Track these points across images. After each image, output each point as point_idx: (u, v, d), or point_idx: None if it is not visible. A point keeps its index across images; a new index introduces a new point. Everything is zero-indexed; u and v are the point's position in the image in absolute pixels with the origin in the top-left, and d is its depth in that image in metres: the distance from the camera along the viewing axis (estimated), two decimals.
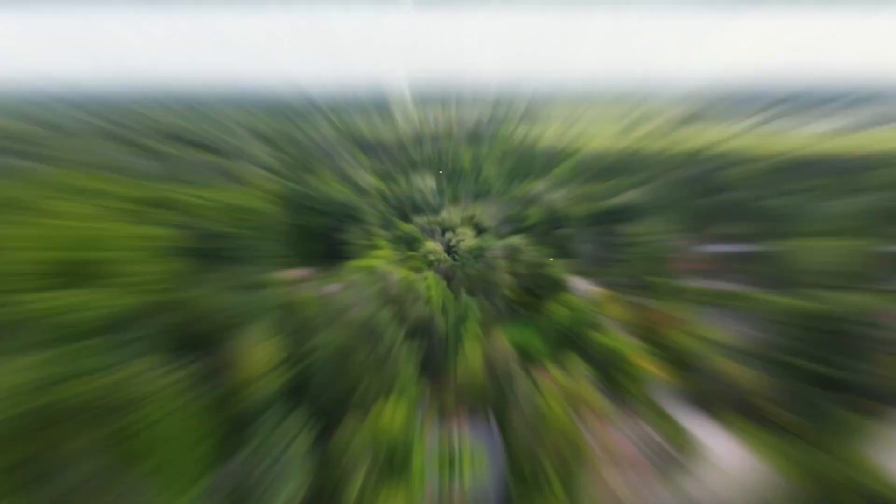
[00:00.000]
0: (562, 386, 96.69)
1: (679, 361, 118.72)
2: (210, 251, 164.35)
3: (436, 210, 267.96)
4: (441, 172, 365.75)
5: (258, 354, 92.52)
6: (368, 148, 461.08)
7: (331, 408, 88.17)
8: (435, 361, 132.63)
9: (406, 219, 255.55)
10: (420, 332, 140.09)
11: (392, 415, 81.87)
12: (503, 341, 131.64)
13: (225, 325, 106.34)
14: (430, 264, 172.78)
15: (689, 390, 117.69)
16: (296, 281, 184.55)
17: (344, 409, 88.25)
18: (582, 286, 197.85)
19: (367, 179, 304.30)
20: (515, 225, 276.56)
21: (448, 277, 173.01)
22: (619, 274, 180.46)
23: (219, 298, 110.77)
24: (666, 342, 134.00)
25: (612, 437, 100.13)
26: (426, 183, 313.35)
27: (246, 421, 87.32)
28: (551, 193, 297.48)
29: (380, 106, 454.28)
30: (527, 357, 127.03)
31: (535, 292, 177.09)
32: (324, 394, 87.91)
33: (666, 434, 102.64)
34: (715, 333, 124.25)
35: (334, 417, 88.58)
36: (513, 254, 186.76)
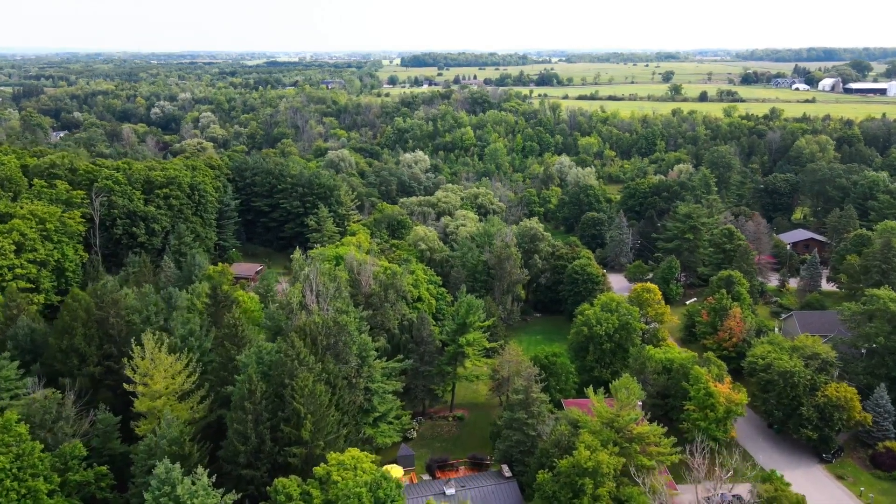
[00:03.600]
0: (606, 420, 74.80)
1: (763, 384, 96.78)
2: (126, 236, 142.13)
3: (429, 190, 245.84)
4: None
5: (157, 379, 70.17)
6: (345, 116, 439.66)
7: (258, 463, 65.45)
8: (424, 387, 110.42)
9: (391, 200, 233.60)
10: (403, 344, 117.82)
11: (354, 473, 59.70)
12: (520, 358, 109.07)
13: (121, 333, 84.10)
14: (420, 255, 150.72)
15: (777, 419, 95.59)
16: (238, 276, 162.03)
17: (279, 465, 65.48)
18: (621, 283, 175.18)
19: (342, 153, 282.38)
20: (530, 208, 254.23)
21: (444, 272, 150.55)
22: (667, 268, 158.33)
23: (121, 297, 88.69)
24: (744, 356, 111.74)
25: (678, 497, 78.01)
26: (417, 157, 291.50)
27: (120, 476, 65.47)
28: (576, 170, 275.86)
29: (361, 68, 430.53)
30: (554, 379, 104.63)
31: (560, 291, 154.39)
32: (247, 442, 65.16)
33: (759, 489, 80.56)
34: (805, 344, 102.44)
35: (263, 479, 65.55)
36: (529, 242, 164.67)
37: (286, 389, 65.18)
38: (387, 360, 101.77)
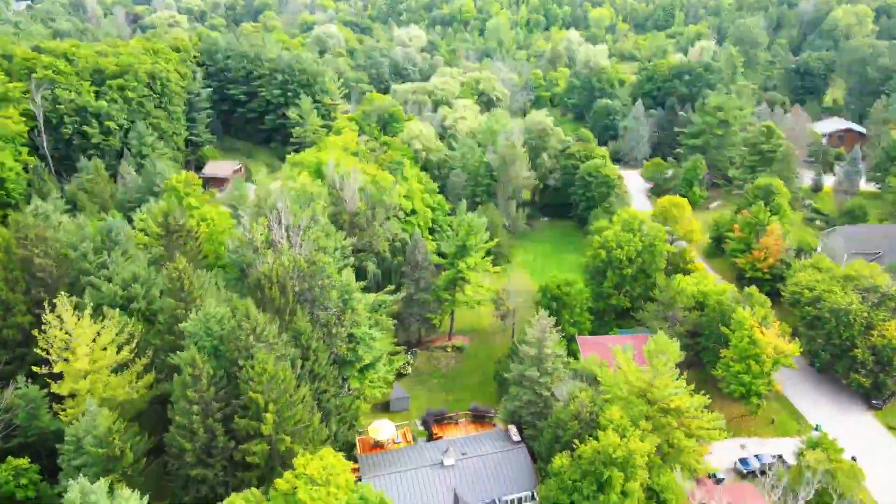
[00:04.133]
0: (636, 390, 61.86)
1: (810, 320, 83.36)
2: (77, 136, 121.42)
3: (425, 73, 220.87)
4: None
5: (80, 353, 55.61)
6: None
7: (211, 461, 51.83)
8: (419, 315, 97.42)
9: (383, 85, 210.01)
10: (395, 269, 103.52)
11: (326, 491, 46.58)
12: (528, 284, 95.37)
13: (52, 276, 69.12)
14: (415, 155, 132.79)
15: (824, 361, 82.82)
16: (212, 178, 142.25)
17: (237, 462, 52.18)
18: (637, 182, 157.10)
19: (330, 29, 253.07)
20: (536, 93, 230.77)
21: (441, 175, 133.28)
22: (691, 169, 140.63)
23: (51, 230, 72.74)
24: (780, 278, 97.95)
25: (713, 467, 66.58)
26: (411, 33, 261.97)
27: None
28: (586, 47, 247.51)
29: None
30: (567, 312, 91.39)
31: (571, 195, 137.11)
32: (194, 438, 51.33)
33: (809, 458, 69.53)
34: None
35: (218, 479, 52.63)
36: (537, 139, 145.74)
37: (241, 372, 51.34)
38: (376, 293, 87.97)
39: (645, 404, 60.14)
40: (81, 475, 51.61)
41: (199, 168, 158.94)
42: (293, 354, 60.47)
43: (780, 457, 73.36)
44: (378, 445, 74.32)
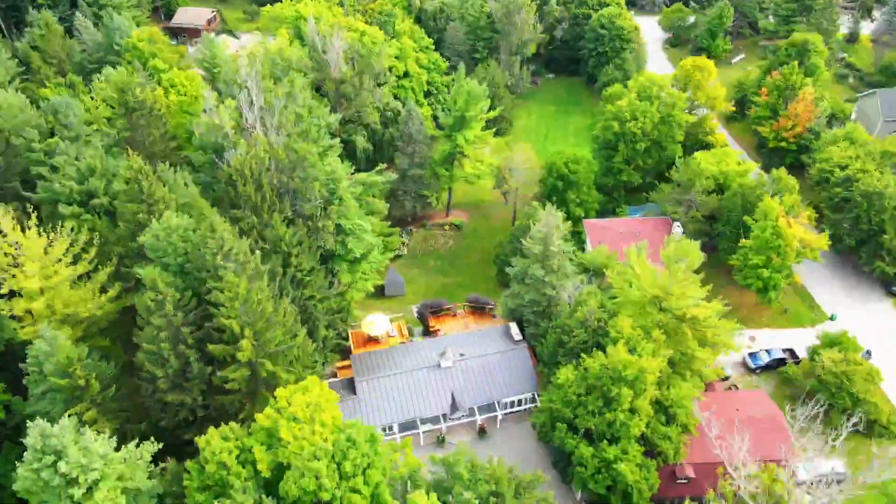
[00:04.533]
0: (650, 297, 56.36)
1: (837, 201, 76.41)
2: None
3: None
4: None
5: (29, 271, 49.20)
6: None
7: (188, 385, 47.06)
8: (414, 193, 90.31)
9: None
10: (388, 142, 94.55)
11: (311, 429, 42.35)
12: (532, 163, 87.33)
13: None
14: (407, 4, 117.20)
15: (845, 245, 76.80)
16: (183, 28, 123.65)
17: (215, 386, 47.23)
18: (654, 31, 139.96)
19: None
20: None
21: (437, 28, 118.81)
22: (717, 17, 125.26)
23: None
24: (806, 148, 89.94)
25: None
26: None
27: None
28: None
29: None
30: (574, 192, 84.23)
31: (580, 49, 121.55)
32: (166, 365, 45.91)
33: (825, 357, 66.05)
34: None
35: (196, 402, 48.25)
36: None
37: (210, 296, 45.46)
38: (366, 171, 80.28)
39: (658, 312, 55.16)
40: (48, 401, 48.14)
41: (168, 16, 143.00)
42: (273, 263, 54.44)
43: (792, 351, 70.17)
44: (372, 340, 70.88)
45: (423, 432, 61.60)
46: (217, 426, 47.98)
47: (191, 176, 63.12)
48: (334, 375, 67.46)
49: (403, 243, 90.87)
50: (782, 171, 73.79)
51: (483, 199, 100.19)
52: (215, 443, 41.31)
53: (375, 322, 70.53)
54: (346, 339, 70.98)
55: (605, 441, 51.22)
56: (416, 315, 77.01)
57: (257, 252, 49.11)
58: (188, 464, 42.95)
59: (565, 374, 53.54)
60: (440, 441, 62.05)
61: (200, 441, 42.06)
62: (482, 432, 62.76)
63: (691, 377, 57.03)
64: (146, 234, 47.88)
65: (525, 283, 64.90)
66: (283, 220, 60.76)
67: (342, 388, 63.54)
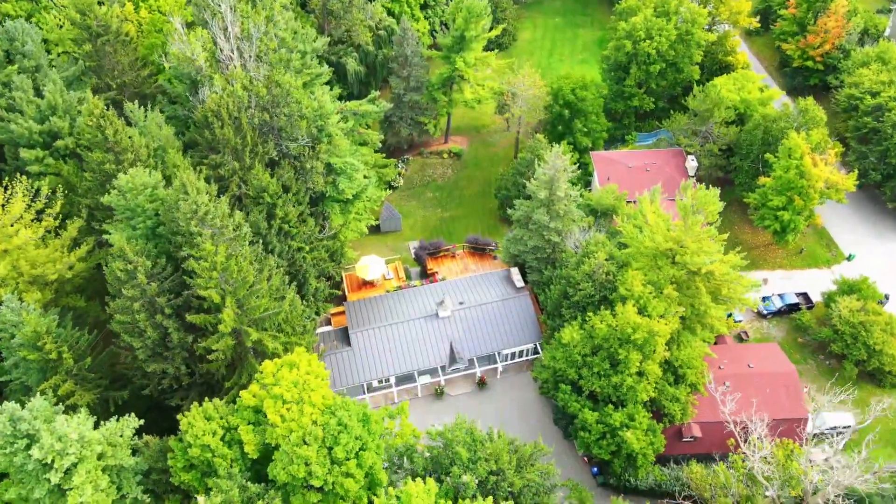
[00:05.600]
0: (662, 250, 52.01)
1: (865, 132, 70.41)
2: None
3: None
4: None
5: None
6: None
7: (169, 354, 43.64)
8: (411, 119, 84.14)
9: None
10: (381, 64, 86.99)
11: (300, 409, 39.16)
12: (538, 88, 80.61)
13: None
14: None
15: (870, 179, 71.57)
16: None
17: (198, 355, 43.67)
18: None
19: None
20: None
21: None
22: None
23: None
24: (834, 68, 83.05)
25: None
26: None
27: None
28: None
29: None
30: (581, 121, 78.19)
31: None
32: (143, 335, 42.16)
33: (843, 304, 62.94)
34: None
35: (180, 371, 45.09)
36: None
37: (186, 264, 41.37)
38: (358, 98, 74.16)
39: (672, 266, 51.27)
40: (21, 370, 45.20)
41: None
42: (255, 217, 50.07)
43: (805, 295, 66.93)
44: (368, 284, 67.58)
45: (422, 384, 59.44)
46: (204, 393, 45.60)
47: (165, 114, 57.31)
48: (328, 322, 64.74)
49: (399, 173, 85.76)
50: (810, 102, 67.58)
51: (484, 124, 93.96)
52: (198, 425, 38.64)
53: (370, 265, 66.91)
54: (340, 282, 67.75)
55: (609, 406, 48.84)
56: (413, 255, 73.30)
57: (237, 212, 44.51)
58: (171, 441, 40.58)
59: (570, 333, 50.40)
60: (438, 393, 60.05)
61: (182, 422, 39.46)
62: (482, 384, 60.61)
63: (702, 330, 54.07)
64: (111, 193, 43.13)
65: (528, 227, 60.65)
66: (266, 164, 55.96)
67: (336, 338, 60.91)
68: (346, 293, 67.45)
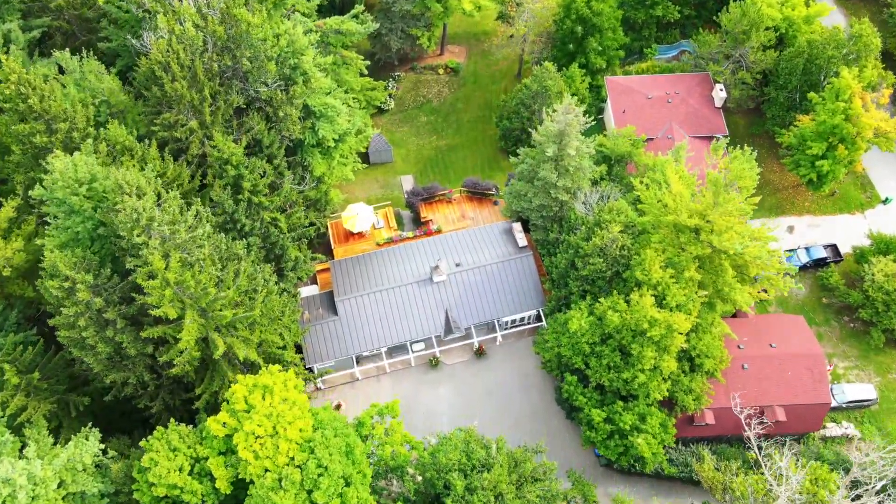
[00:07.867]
0: (684, 225, 44.98)
1: None
2: None
3: None
4: None
5: None
6: None
7: (128, 363, 37.80)
8: (402, 31, 73.52)
9: None
10: None
11: (274, 443, 34.52)
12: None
13: None
14: None
15: None
16: None
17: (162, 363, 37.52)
18: None
19: None
20: None
21: None
22: None
23: None
24: None
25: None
26: None
27: None
28: None
29: None
30: (596, 39, 67.85)
31: None
32: (95, 352, 36.31)
33: (876, 267, 57.19)
34: None
35: (142, 379, 39.72)
36: None
37: (133, 276, 35.01)
38: (339, 17, 63.85)
39: (695, 242, 44.89)
40: None
41: None
42: (218, 197, 43.11)
43: (834, 247, 60.81)
44: (356, 234, 61.47)
45: (415, 354, 55.14)
46: (176, 392, 41.30)
47: (115, 43, 48.22)
48: (314, 281, 59.41)
49: (390, 94, 76.56)
50: (865, 25, 57.41)
51: (484, 31, 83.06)
52: (162, 463, 34.34)
53: (359, 214, 60.42)
54: (325, 233, 61.65)
55: (619, 402, 44.65)
56: (405, 195, 66.43)
57: (194, 208, 37.43)
58: (135, 471, 36.54)
59: (577, 321, 45.05)
60: (433, 363, 55.85)
61: (145, 459, 35.20)
62: (480, 353, 56.27)
63: (723, 304, 48.74)
64: (36, 188, 35.96)
65: (533, 183, 53.43)
66: (233, 113, 48.01)
67: (322, 305, 55.78)
68: (333, 245, 61.55)
